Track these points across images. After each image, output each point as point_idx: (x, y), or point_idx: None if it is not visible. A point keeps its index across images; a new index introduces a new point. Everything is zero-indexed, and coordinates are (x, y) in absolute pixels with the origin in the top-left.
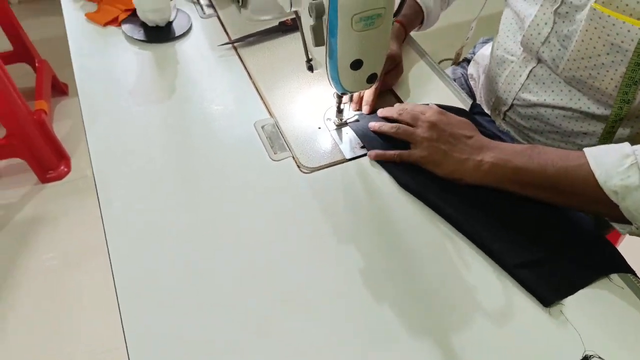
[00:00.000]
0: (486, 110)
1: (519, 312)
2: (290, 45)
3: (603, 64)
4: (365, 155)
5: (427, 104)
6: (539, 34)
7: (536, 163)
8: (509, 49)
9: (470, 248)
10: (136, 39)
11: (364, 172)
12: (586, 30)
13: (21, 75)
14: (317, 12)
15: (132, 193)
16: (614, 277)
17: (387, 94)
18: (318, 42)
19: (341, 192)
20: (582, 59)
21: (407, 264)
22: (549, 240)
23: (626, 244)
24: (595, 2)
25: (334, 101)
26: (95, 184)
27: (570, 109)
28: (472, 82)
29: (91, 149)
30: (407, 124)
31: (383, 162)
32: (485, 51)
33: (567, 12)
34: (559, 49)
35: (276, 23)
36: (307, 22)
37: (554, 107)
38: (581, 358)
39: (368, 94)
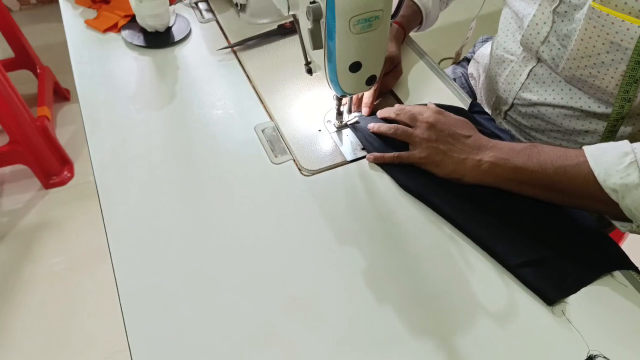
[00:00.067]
0: (487, 110)
1: (523, 313)
2: (290, 48)
3: (603, 62)
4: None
5: (426, 104)
6: (538, 33)
7: (535, 162)
8: (509, 49)
9: (472, 249)
10: (136, 45)
11: (365, 173)
12: (585, 29)
13: (23, 81)
14: (315, 15)
15: (134, 199)
16: (618, 275)
17: (387, 95)
18: (316, 45)
19: (343, 195)
20: (582, 58)
21: (409, 266)
22: (552, 238)
23: (630, 242)
24: (594, 0)
25: (333, 103)
26: (97, 191)
27: (571, 108)
28: (472, 81)
29: (93, 155)
30: (406, 124)
31: (383, 164)
32: (485, 50)
33: (566, 11)
34: (559, 48)
35: (275, 26)
36: (305, 25)
37: (554, 106)
38: (586, 358)
39: (367, 95)
